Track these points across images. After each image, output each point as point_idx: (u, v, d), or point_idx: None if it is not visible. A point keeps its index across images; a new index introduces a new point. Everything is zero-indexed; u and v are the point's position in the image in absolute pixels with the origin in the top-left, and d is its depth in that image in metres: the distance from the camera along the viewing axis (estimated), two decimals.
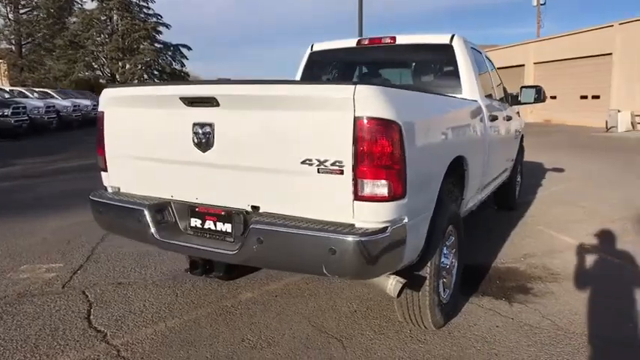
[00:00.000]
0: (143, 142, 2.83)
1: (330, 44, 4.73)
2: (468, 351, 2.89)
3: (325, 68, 4.86)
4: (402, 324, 3.19)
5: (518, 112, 6.15)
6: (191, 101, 2.53)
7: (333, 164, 2.20)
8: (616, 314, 3.39)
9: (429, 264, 2.75)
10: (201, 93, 2.50)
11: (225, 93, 2.43)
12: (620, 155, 12.93)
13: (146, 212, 2.72)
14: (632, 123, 20.39)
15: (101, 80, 41.00)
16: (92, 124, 4.54)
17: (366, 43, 4.42)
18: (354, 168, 2.16)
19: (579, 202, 6.95)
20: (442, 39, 4.10)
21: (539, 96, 5.13)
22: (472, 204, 4.02)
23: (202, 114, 2.53)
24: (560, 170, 9.71)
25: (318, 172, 2.24)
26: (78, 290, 3.84)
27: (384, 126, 2.12)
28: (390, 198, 2.17)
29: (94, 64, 42.18)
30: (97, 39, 41.14)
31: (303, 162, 2.27)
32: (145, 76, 41.62)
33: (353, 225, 2.23)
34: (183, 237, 2.75)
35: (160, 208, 2.79)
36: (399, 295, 2.67)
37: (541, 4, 36.51)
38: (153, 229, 2.70)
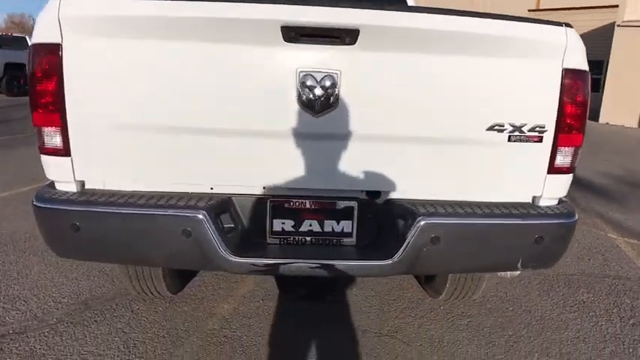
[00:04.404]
0: (168, 100, 1.65)
1: None
2: (508, 314, 2.88)
3: None
4: (429, 303, 2.96)
5: None
6: (302, 34, 1.57)
7: (532, 129, 1.73)
8: None
9: None
10: (335, 21, 1.56)
11: (376, 24, 1.57)
12: None
13: (205, 219, 1.63)
14: None
15: None
16: None
17: None
18: (556, 133, 1.76)
19: None
20: None
21: None
22: None
23: (318, 56, 1.62)
24: None
25: (509, 140, 1.73)
26: None
27: (585, 80, 1.75)
28: (573, 168, 1.87)
29: None
30: None
31: (490, 128, 1.71)
32: None
33: (537, 204, 1.85)
34: (270, 250, 1.78)
35: (221, 210, 1.72)
36: None
37: None
38: (220, 246, 1.64)
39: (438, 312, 2.87)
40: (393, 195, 1.83)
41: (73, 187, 1.76)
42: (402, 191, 1.82)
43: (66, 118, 1.67)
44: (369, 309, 2.87)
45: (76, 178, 1.75)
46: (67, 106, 1.66)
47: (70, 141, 1.69)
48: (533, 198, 1.89)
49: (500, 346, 2.55)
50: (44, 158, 1.76)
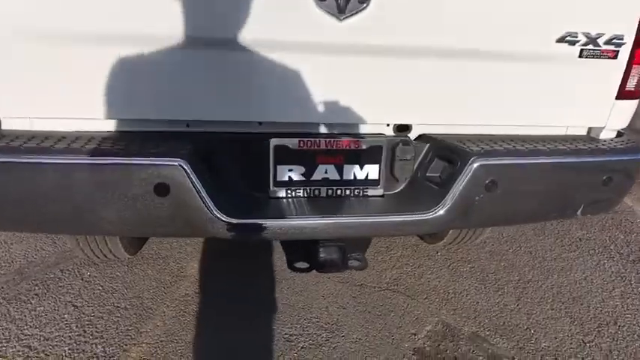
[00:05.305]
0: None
1: None
2: (510, 257, 2.66)
3: None
4: (424, 250, 2.69)
5: None
6: None
7: (608, 42, 1.35)
8: None
9: None
10: None
11: None
12: None
13: (186, 169, 1.15)
14: None
15: None
16: None
17: None
18: (633, 47, 1.40)
19: None
20: None
21: None
22: None
23: None
24: None
25: (580, 55, 1.35)
26: None
27: None
28: None
29: None
30: None
31: (561, 39, 1.32)
32: None
33: (596, 137, 1.52)
34: (275, 207, 1.33)
35: (206, 156, 1.25)
36: None
37: None
38: (210, 206, 1.19)
39: (437, 259, 2.60)
40: (433, 130, 1.44)
41: None
42: (445, 125, 1.43)
43: None
44: (373, 270, 2.55)
45: None
46: None
47: None
48: (590, 130, 1.56)
49: (509, 293, 2.33)
50: None
